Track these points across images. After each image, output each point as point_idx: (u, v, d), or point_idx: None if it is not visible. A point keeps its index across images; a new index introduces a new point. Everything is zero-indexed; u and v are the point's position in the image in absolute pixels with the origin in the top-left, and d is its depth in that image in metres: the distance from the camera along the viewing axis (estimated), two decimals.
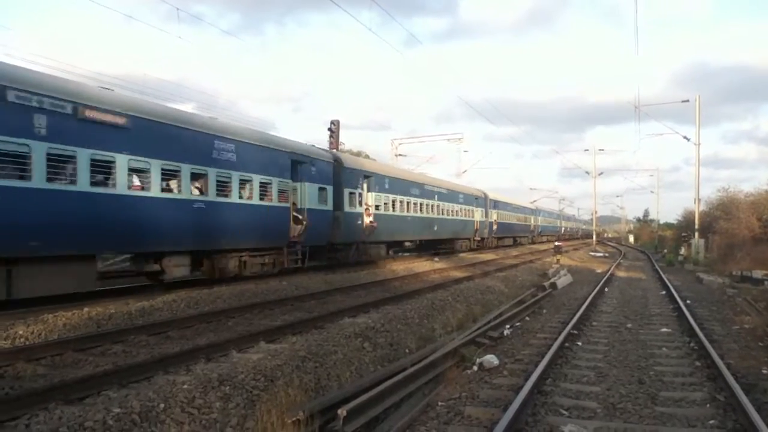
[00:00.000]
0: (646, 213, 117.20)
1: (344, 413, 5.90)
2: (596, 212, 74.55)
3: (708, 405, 7.06)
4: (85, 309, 11.09)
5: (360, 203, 23.67)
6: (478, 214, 40.92)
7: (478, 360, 8.96)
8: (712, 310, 15.38)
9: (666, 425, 6.38)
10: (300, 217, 19.12)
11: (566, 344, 10.29)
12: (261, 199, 17.02)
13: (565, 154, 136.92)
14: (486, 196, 43.51)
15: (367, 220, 24.17)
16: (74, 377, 6.92)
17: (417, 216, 29.92)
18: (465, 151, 61.71)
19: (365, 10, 39.55)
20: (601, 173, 64.89)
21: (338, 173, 21.90)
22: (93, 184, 11.84)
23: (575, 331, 11.54)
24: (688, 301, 16.41)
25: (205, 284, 15.28)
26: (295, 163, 18.97)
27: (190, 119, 15.03)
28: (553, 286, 19.43)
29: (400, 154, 48.03)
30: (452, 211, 35.41)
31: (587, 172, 62.79)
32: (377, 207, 25.28)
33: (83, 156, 11.56)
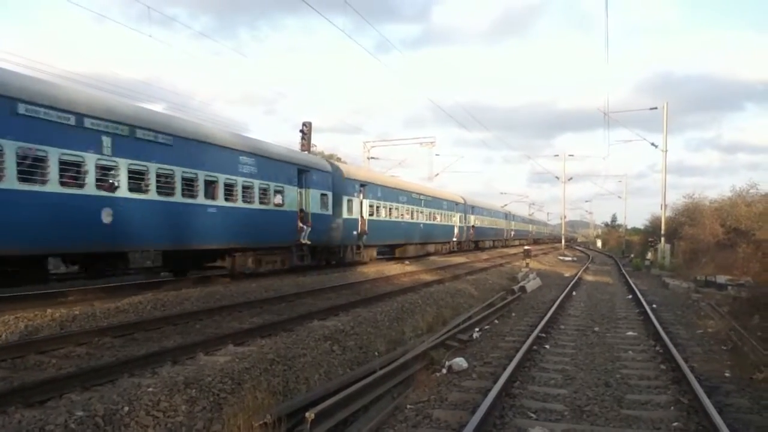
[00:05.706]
0: (614, 218, 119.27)
1: (312, 416, 5.85)
2: (565, 217, 75.36)
3: (672, 407, 7.17)
4: (48, 310, 10.82)
5: (356, 209, 25.67)
6: (457, 219, 42.77)
7: (447, 363, 8.99)
8: (677, 314, 15.65)
9: (632, 427, 6.47)
10: (306, 220, 20.92)
11: (534, 347, 10.38)
12: (275, 204, 19.17)
13: (536, 159, 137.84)
14: (465, 202, 45.20)
15: (361, 224, 26.08)
16: (35, 380, 6.74)
17: (406, 221, 32.16)
18: (437, 155, 61.89)
19: (340, 15, 39.43)
20: (571, 179, 65.45)
21: (337, 182, 23.89)
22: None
23: (543, 335, 11.65)
24: (654, 305, 16.67)
25: (173, 286, 15.07)
26: (300, 172, 20.96)
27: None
28: (523, 289, 19.59)
29: (372, 157, 47.92)
30: (436, 216, 37.78)
31: (557, 177, 63.49)
32: (371, 213, 27.27)
33: None
